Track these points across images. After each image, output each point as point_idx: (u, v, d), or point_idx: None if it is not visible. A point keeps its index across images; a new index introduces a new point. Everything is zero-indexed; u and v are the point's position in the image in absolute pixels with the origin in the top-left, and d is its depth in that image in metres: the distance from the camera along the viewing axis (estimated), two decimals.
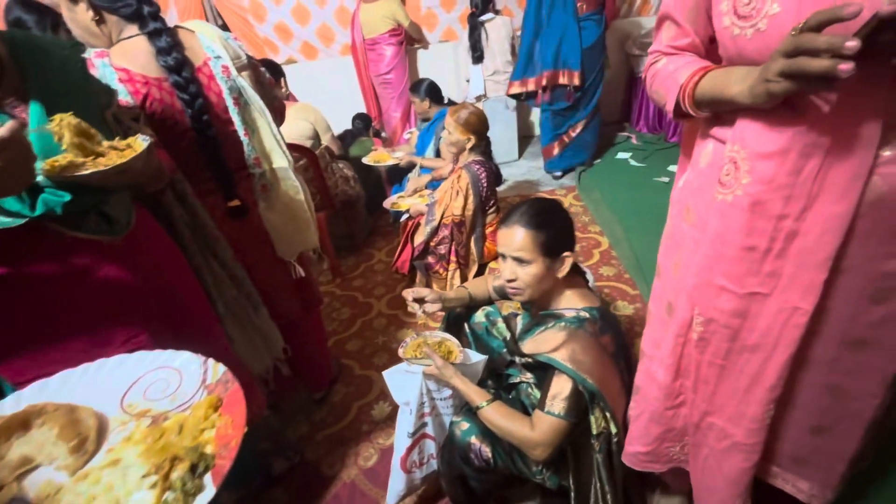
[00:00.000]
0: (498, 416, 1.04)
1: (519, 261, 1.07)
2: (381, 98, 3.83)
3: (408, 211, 2.32)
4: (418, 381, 1.15)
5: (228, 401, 0.65)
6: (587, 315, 1.07)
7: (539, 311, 1.17)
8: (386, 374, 1.21)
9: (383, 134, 3.84)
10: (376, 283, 2.51)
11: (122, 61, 1.02)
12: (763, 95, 0.58)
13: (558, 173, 3.36)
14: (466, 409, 1.15)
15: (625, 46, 3.83)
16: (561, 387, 0.98)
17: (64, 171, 0.69)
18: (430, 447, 1.23)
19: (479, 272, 2.27)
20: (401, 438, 1.19)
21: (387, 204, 2.48)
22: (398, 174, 2.99)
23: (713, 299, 0.76)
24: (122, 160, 0.73)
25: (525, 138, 4.05)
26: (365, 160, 2.85)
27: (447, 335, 1.23)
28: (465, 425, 1.12)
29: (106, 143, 0.76)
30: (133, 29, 1.04)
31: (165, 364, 0.74)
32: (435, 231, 2.06)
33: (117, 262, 0.86)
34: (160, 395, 0.69)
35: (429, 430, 1.21)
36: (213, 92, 1.13)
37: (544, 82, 2.98)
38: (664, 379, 0.88)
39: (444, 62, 3.96)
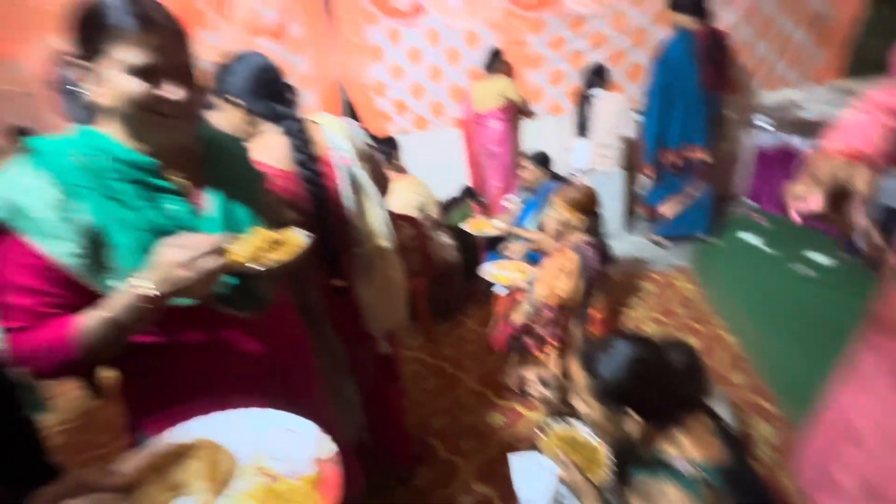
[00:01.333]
0: None
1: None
2: (484, 168, 3.94)
3: (505, 283, 2.26)
4: (551, 480, 0.98)
5: (329, 482, 0.65)
6: (702, 474, 0.84)
7: (644, 447, 0.95)
8: (512, 458, 1.06)
9: (482, 199, 3.92)
10: (466, 353, 2.43)
11: (261, 156, 1.10)
12: None
13: (661, 239, 3.15)
14: None
15: (747, 120, 3.55)
16: None
17: (241, 263, 0.75)
18: None
19: None
20: None
21: (484, 273, 2.44)
22: (495, 241, 2.97)
23: None
24: (289, 257, 0.77)
25: (630, 211, 3.85)
26: (464, 226, 2.89)
27: (599, 440, 1.04)
28: None
29: (265, 234, 0.81)
30: (269, 125, 1.17)
31: (293, 427, 0.74)
32: (535, 311, 1.96)
33: (254, 334, 0.90)
34: (280, 456, 0.70)
35: None
36: (331, 180, 1.22)
37: (678, 158, 2.89)
38: None
39: (548, 134, 3.99)
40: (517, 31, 3.85)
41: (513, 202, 3.28)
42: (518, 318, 2.00)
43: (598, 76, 3.21)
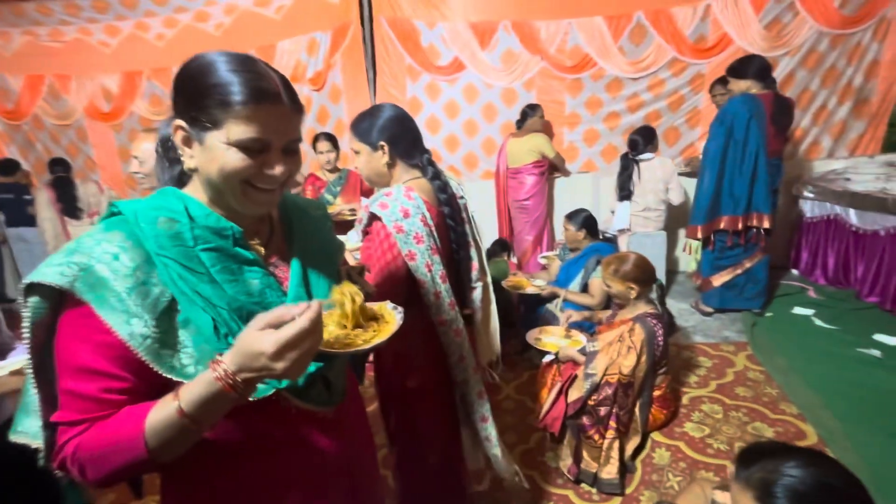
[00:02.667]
0: None
1: None
2: (515, 221, 3.89)
3: (555, 354, 2.09)
4: None
5: None
6: None
7: None
8: None
9: (513, 256, 3.82)
10: (506, 426, 2.21)
11: (422, 195, 1.21)
12: None
13: (710, 309, 3.00)
14: None
15: (792, 189, 3.49)
16: None
17: (330, 346, 0.62)
18: None
19: (641, 444, 1.88)
20: None
21: (530, 339, 2.28)
22: (532, 301, 2.83)
23: None
24: (382, 337, 0.65)
25: (671, 273, 3.72)
26: (504, 284, 2.76)
27: None
28: None
29: (360, 307, 0.69)
30: (415, 173, 1.27)
31: None
32: (596, 388, 1.78)
33: (328, 431, 0.78)
34: None
35: None
36: (460, 222, 1.34)
37: (739, 225, 2.79)
38: None
39: (582, 192, 3.96)
40: (554, 91, 3.91)
41: (551, 260, 3.17)
42: (575, 393, 1.82)
43: (645, 139, 3.18)
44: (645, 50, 3.72)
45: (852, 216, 3.07)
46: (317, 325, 0.55)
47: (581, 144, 4.04)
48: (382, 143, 1.21)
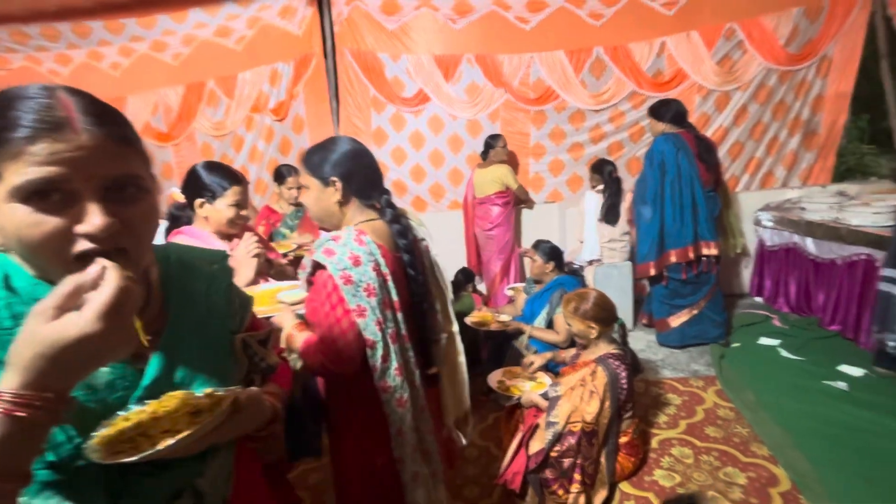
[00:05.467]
0: None
1: None
2: (482, 250, 3.82)
3: (517, 398, 1.97)
4: None
5: None
6: None
7: None
8: None
9: (480, 288, 3.72)
10: (467, 478, 2.04)
11: (376, 239, 1.07)
12: None
13: (674, 345, 2.96)
14: None
15: (752, 219, 3.56)
16: None
17: (109, 454, 0.48)
18: None
19: (609, 497, 1.75)
20: None
21: (492, 382, 2.15)
22: (497, 338, 2.71)
23: None
24: (179, 437, 0.51)
25: (639, 303, 3.68)
26: (468, 321, 2.64)
27: None
28: None
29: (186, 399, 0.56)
30: (371, 214, 1.13)
31: None
32: (558, 438, 1.66)
33: None
34: None
35: None
36: (423, 266, 1.19)
37: (690, 254, 2.78)
38: None
39: (547, 221, 3.94)
40: (518, 123, 3.93)
41: (518, 292, 3.08)
42: (536, 444, 1.69)
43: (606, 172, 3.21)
44: (605, 83, 3.80)
45: (810, 245, 3.12)
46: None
47: (547, 174, 4.05)
48: (335, 178, 1.08)
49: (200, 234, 1.40)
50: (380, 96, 3.90)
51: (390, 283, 1.05)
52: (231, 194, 1.37)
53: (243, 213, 1.42)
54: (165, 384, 0.58)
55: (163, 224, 1.57)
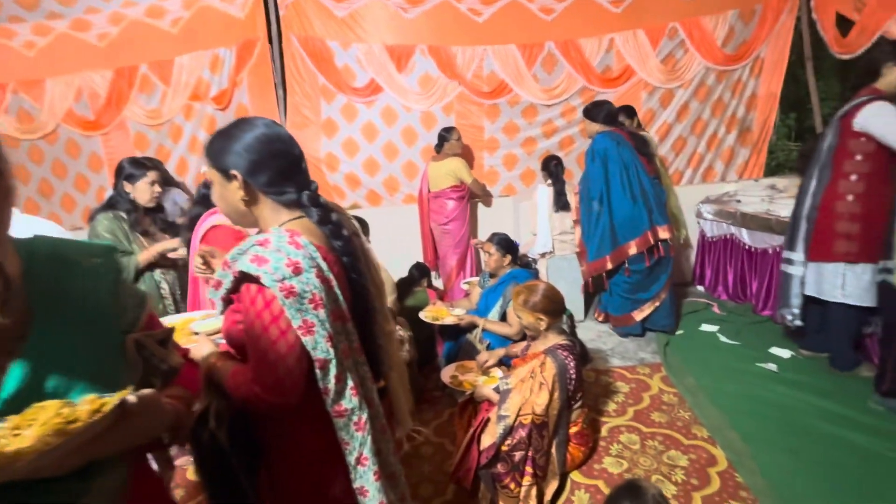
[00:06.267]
0: None
1: None
2: (439, 244, 3.78)
3: (470, 393, 1.95)
4: None
5: None
6: None
7: None
8: None
9: (436, 284, 3.69)
10: (422, 476, 2.01)
11: (312, 238, 0.90)
12: None
13: (637, 334, 3.03)
14: None
15: (695, 211, 3.73)
16: None
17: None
18: None
19: (560, 487, 1.77)
20: None
21: (445, 377, 2.12)
22: (452, 332, 2.69)
23: None
24: (33, 450, 0.43)
25: (590, 295, 3.77)
26: (422, 315, 2.60)
27: None
28: None
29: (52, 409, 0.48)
30: (294, 212, 0.95)
31: None
32: (509, 431, 1.65)
33: None
34: None
35: None
36: (364, 267, 1.04)
37: (651, 240, 2.84)
38: None
39: (502, 215, 3.96)
40: (472, 116, 3.91)
41: (473, 285, 3.08)
42: (487, 439, 1.67)
43: (552, 166, 3.26)
44: (557, 78, 3.85)
45: (745, 236, 3.31)
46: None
47: (501, 168, 4.06)
48: (234, 171, 0.89)
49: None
50: (329, 85, 3.76)
51: (336, 290, 0.90)
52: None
53: None
54: (33, 395, 0.50)
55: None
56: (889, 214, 2.06)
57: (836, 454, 1.78)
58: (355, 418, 0.90)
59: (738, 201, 3.45)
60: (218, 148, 0.92)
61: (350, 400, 0.89)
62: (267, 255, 0.82)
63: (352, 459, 0.90)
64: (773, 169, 5.04)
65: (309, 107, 3.80)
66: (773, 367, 2.46)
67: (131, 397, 0.53)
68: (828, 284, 2.27)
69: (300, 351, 0.84)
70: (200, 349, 0.99)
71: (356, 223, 1.08)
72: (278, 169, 0.92)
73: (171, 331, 0.72)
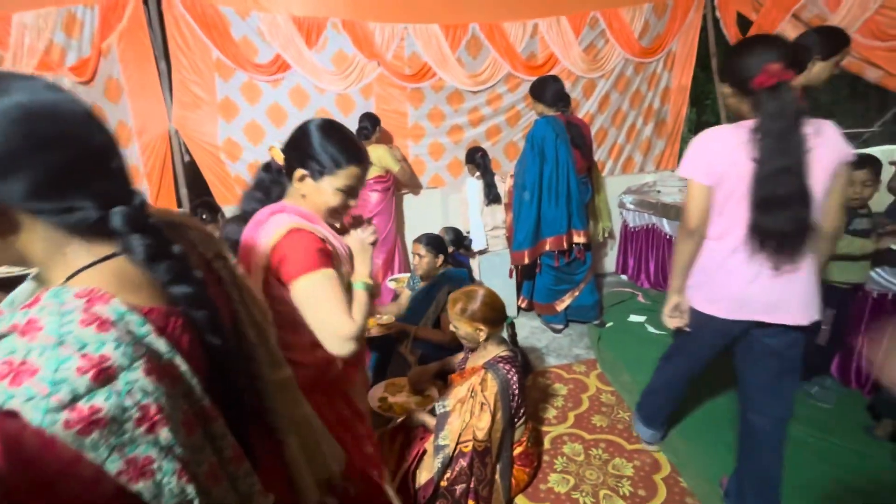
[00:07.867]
0: None
1: None
2: None
3: (399, 419, 1.69)
4: None
5: None
6: None
7: None
8: None
9: None
10: None
11: (134, 297, 0.52)
12: None
13: (560, 326, 3.01)
14: None
15: (617, 202, 3.79)
16: None
17: None
18: None
19: None
20: None
21: (372, 401, 1.84)
22: (380, 340, 2.40)
23: None
24: None
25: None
26: None
27: None
28: None
29: None
30: (93, 248, 0.54)
31: None
32: (448, 462, 1.42)
33: None
34: None
35: None
36: (222, 300, 0.68)
37: (564, 244, 2.77)
38: None
39: (431, 208, 3.72)
40: (394, 101, 3.60)
41: (400, 283, 2.79)
42: (424, 474, 1.43)
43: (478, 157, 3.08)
44: (482, 63, 3.66)
45: (665, 225, 3.40)
46: None
47: (427, 158, 3.80)
48: None
49: (311, 217, 1.05)
50: (225, 60, 3.22)
51: (189, 378, 0.53)
52: (344, 176, 1.05)
53: (351, 202, 1.09)
54: None
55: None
56: None
57: None
58: None
59: (659, 192, 3.54)
60: None
61: None
62: (33, 358, 0.42)
63: None
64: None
65: (201, 84, 3.23)
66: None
67: None
68: None
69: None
70: None
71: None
72: (52, 168, 0.50)
73: None
